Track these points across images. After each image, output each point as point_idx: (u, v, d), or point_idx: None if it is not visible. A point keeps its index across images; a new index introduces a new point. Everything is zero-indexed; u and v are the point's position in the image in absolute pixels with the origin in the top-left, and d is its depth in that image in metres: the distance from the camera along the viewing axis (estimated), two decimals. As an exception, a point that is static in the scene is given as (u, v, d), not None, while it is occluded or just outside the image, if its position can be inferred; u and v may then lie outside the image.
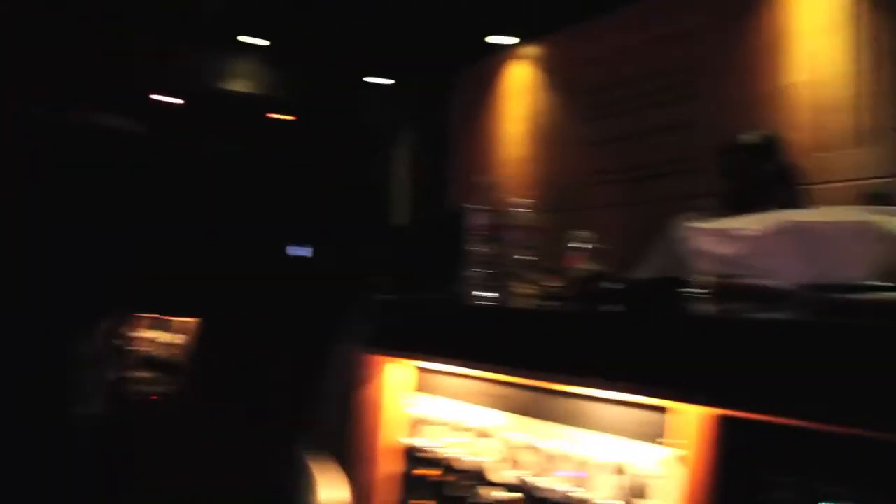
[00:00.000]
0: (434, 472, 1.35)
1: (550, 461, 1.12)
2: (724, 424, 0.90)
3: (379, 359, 1.52)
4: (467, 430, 1.30)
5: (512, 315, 1.28)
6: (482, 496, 1.24)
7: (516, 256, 1.70)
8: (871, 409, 0.73)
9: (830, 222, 1.13)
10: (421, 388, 1.47)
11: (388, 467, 1.48)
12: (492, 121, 5.27)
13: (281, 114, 6.38)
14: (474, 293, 1.50)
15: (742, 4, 3.70)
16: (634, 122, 4.19)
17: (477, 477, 1.26)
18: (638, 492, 0.99)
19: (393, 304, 1.51)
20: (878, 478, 0.79)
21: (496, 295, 1.46)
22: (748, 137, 2.83)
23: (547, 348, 1.07)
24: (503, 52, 5.15)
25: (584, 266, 1.87)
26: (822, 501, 0.85)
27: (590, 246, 1.99)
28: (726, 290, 1.21)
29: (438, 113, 5.77)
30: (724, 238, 1.28)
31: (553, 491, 1.09)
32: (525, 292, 1.62)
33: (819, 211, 1.20)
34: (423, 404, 1.44)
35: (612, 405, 1.05)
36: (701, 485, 0.91)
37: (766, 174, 2.70)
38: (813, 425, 0.83)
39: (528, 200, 1.77)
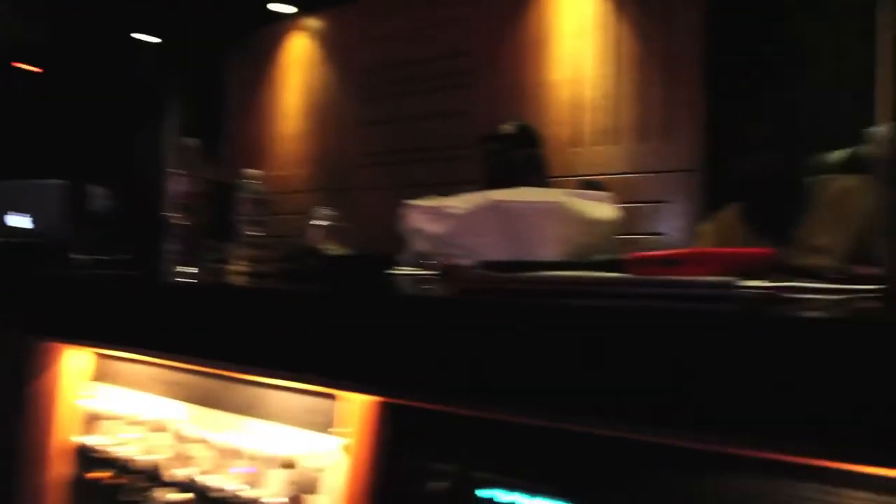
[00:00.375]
0: (107, 475, 1.17)
1: (223, 456, 1.00)
2: (387, 412, 0.84)
3: (54, 345, 1.30)
4: (142, 424, 1.14)
5: (184, 293, 1.13)
6: (156, 498, 1.09)
7: (246, 231, 1.56)
8: (526, 395, 0.69)
9: (526, 202, 1.13)
10: (99, 377, 1.27)
11: (58, 470, 1.26)
12: (269, 93, 5.00)
13: (26, 63, 5.54)
14: (176, 269, 1.33)
15: (513, 1, 3.83)
16: (408, 105, 4.18)
17: (152, 477, 1.11)
18: (308, 486, 0.91)
19: (68, 283, 1.29)
20: (535, 465, 0.77)
21: (196, 271, 1.30)
22: (505, 127, 2.93)
23: (217, 331, 0.94)
24: (284, 21, 4.90)
25: (310, 244, 1.77)
26: (479, 488, 0.83)
27: (327, 224, 1.90)
28: (437, 269, 1.18)
29: (213, 79, 5.36)
30: (434, 216, 1.25)
31: (223, 490, 0.98)
32: (240, 269, 1.48)
33: (519, 191, 1.20)
34: (100, 396, 1.25)
35: (286, 393, 0.96)
36: (364, 474, 0.85)
37: (517, 162, 2.81)
38: (471, 412, 0.79)
39: (257, 172, 1.63)
